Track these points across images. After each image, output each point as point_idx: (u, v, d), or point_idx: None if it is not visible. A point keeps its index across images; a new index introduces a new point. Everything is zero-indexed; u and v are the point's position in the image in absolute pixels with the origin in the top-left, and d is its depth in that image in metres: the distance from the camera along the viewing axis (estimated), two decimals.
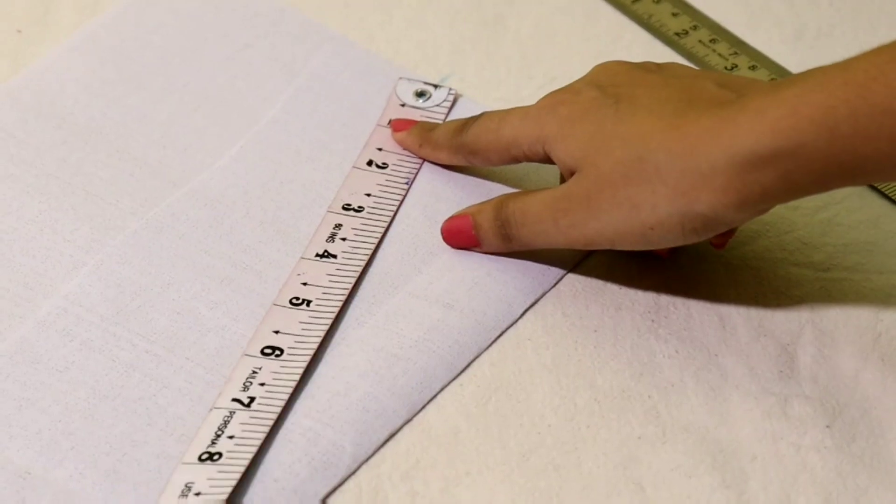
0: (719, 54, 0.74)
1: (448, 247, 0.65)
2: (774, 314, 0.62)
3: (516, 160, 0.62)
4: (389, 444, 0.57)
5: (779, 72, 0.72)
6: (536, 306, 0.63)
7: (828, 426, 0.57)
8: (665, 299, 0.63)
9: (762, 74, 0.73)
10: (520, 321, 0.62)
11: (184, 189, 0.67)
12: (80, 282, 0.62)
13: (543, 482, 0.56)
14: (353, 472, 0.56)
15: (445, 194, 0.68)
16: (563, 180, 0.60)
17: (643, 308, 0.62)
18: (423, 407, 0.58)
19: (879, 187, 0.67)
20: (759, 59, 0.74)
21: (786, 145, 0.52)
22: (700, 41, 0.74)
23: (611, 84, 0.59)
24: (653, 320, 0.62)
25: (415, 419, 0.58)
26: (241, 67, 0.73)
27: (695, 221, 0.55)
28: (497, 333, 0.61)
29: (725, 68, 0.74)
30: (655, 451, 0.55)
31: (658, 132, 0.55)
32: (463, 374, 0.60)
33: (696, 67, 0.67)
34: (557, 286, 0.63)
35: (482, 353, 0.60)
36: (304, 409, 0.57)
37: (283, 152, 0.69)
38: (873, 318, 0.61)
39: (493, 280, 0.63)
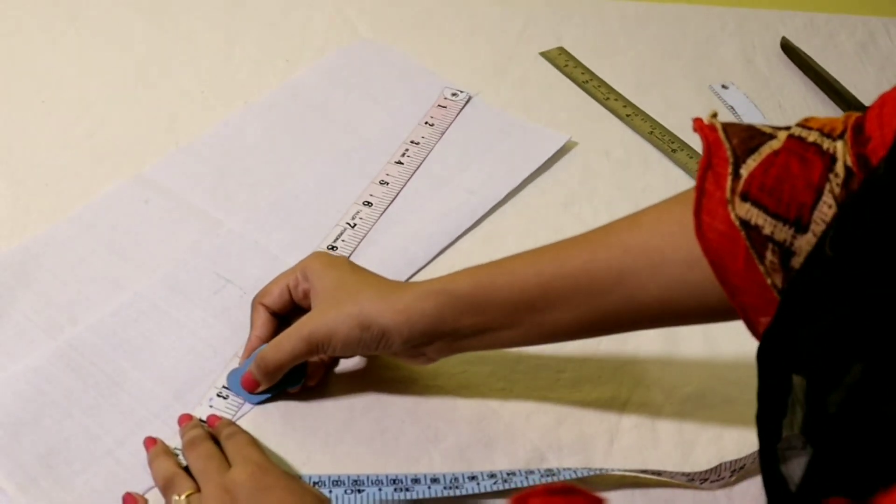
0: (602, 93, 1.11)
1: (470, 169, 0.98)
2: None
3: None
4: (440, 255, 0.93)
5: (634, 108, 1.09)
6: (517, 194, 0.98)
7: None
8: None
9: (619, 104, 1.10)
10: (507, 203, 0.98)
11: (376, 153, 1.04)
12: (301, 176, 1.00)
13: None
14: (428, 264, 0.92)
15: (460, 139, 1.02)
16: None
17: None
18: (458, 238, 0.95)
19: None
20: (627, 102, 1.10)
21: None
22: (598, 87, 1.13)
23: None
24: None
25: (455, 243, 0.95)
26: (385, 96, 1.09)
27: None
28: (491, 206, 0.97)
29: (606, 98, 1.12)
30: None
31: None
32: (477, 226, 0.96)
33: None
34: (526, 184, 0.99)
35: (485, 216, 0.97)
36: (402, 236, 0.93)
37: (402, 128, 1.06)
38: None
39: (492, 179, 1.00)
